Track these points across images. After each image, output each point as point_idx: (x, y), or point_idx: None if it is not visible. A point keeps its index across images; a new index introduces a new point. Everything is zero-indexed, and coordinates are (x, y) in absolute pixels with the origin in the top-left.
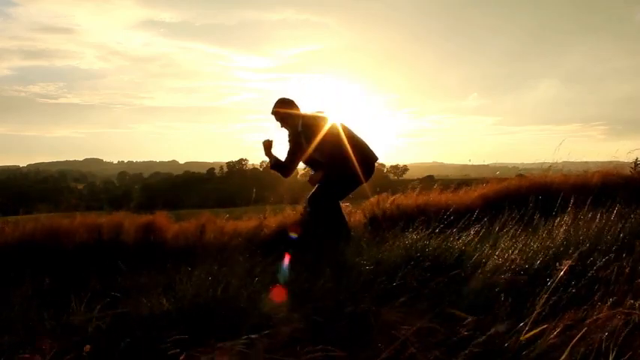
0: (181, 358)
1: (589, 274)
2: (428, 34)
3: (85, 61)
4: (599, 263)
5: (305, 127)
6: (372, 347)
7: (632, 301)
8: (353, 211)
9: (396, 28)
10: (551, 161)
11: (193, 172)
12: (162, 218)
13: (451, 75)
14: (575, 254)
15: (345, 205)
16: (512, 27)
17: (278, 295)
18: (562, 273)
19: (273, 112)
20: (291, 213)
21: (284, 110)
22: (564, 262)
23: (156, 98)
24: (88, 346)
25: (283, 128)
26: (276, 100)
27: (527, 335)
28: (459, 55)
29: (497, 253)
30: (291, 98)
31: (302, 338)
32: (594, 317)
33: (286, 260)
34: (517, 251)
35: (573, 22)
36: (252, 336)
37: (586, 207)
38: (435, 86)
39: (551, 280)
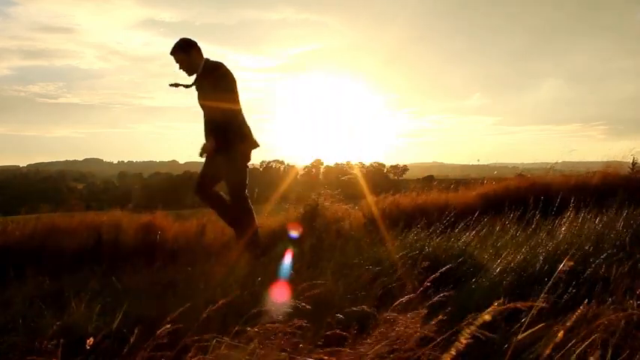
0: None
1: (589, 275)
2: (428, 33)
3: (84, 61)
4: (599, 262)
5: (207, 70)
6: (370, 346)
7: (631, 301)
8: (352, 211)
9: (396, 28)
10: (551, 161)
11: (193, 172)
12: (162, 218)
13: (452, 75)
14: (575, 254)
15: (344, 205)
16: (515, 27)
17: (279, 292)
18: (558, 272)
19: (173, 54)
20: (292, 212)
21: (184, 54)
22: (565, 261)
23: (156, 98)
24: (90, 339)
25: (181, 70)
26: (178, 40)
27: (524, 335)
28: (461, 54)
29: (498, 253)
30: (194, 40)
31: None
32: (593, 317)
33: (287, 258)
34: (518, 252)
35: (575, 22)
36: (249, 328)
37: (586, 207)
38: (435, 86)
39: (551, 280)
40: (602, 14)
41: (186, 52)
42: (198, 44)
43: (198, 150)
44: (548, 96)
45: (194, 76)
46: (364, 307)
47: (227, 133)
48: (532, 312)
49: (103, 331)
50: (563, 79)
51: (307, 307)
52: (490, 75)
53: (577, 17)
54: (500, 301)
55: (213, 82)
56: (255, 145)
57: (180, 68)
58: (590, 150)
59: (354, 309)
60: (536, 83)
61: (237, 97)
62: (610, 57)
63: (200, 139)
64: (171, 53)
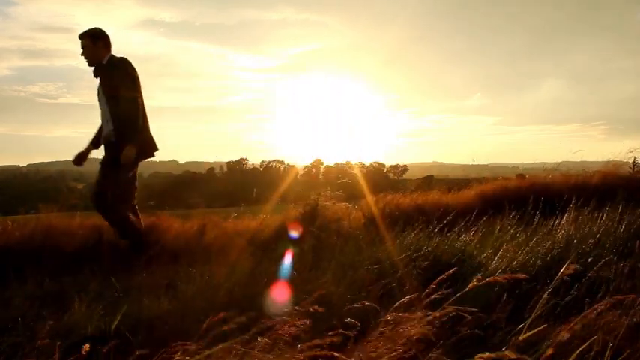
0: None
1: (590, 275)
2: (428, 33)
3: (84, 61)
4: (600, 262)
5: (110, 65)
6: (371, 347)
7: (632, 302)
8: (352, 211)
9: (396, 28)
10: (551, 161)
11: (193, 172)
12: (162, 218)
13: (452, 75)
14: (575, 254)
15: (344, 204)
16: (515, 27)
17: (280, 292)
18: (560, 274)
19: (81, 38)
20: (292, 212)
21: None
22: (569, 265)
23: (156, 98)
24: (87, 345)
25: (83, 57)
26: (92, 27)
27: (525, 336)
28: (461, 54)
29: (498, 253)
30: (107, 34)
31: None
32: (594, 317)
33: (288, 258)
34: (518, 252)
35: (575, 22)
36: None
37: (586, 207)
38: (435, 86)
39: (552, 281)
40: (602, 14)
41: (93, 40)
42: (110, 40)
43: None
44: (548, 96)
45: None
46: (365, 305)
47: (125, 131)
48: (534, 312)
49: (104, 332)
50: (563, 79)
51: (319, 309)
52: (490, 75)
53: (577, 17)
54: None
55: (114, 77)
56: (149, 154)
57: (82, 54)
58: (590, 150)
59: (356, 305)
60: (537, 83)
61: (139, 95)
62: (610, 57)
63: (199, 140)
64: (80, 37)
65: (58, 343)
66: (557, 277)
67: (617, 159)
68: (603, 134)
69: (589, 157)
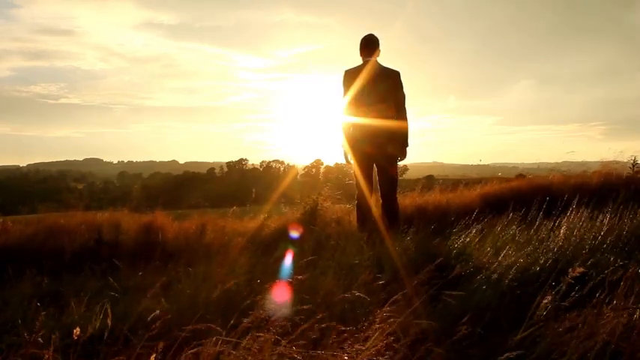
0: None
1: (591, 276)
2: (428, 33)
3: (86, 62)
4: (601, 263)
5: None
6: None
7: (633, 305)
8: (353, 211)
9: (396, 28)
10: (550, 161)
11: (193, 172)
12: (162, 218)
13: (452, 75)
14: (576, 256)
15: (345, 206)
16: (515, 28)
17: (280, 292)
18: (566, 277)
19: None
20: (292, 212)
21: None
22: (576, 268)
23: (156, 98)
24: (77, 329)
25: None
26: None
27: (523, 334)
28: (461, 54)
29: (497, 253)
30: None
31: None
32: (595, 318)
33: (288, 258)
34: (518, 252)
35: (573, 24)
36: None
37: (587, 208)
38: (435, 86)
39: (556, 283)
40: (599, 17)
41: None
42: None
43: None
44: (547, 96)
45: None
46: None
47: None
48: (535, 312)
49: (103, 331)
50: (564, 80)
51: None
52: (491, 75)
53: (574, 19)
54: None
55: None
56: None
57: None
58: (588, 150)
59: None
60: (537, 83)
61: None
62: (608, 58)
63: (199, 140)
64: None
65: (59, 342)
66: (563, 279)
67: (618, 159)
68: (601, 134)
69: (589, 157)
